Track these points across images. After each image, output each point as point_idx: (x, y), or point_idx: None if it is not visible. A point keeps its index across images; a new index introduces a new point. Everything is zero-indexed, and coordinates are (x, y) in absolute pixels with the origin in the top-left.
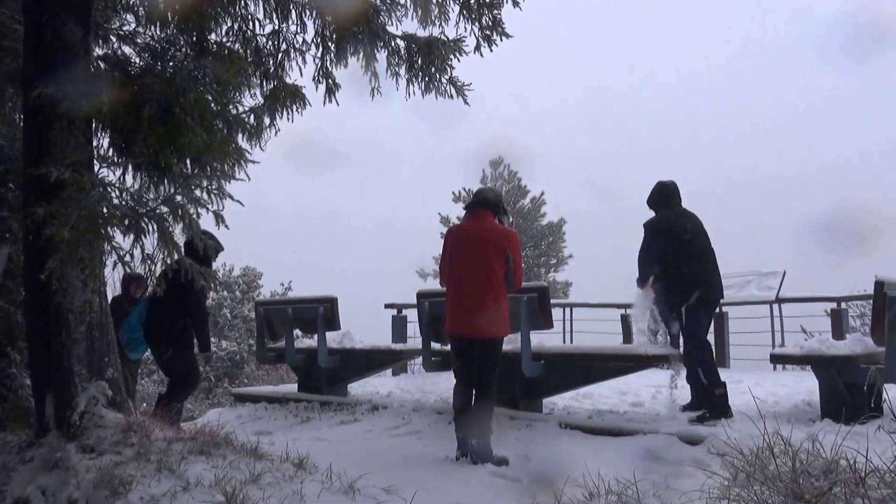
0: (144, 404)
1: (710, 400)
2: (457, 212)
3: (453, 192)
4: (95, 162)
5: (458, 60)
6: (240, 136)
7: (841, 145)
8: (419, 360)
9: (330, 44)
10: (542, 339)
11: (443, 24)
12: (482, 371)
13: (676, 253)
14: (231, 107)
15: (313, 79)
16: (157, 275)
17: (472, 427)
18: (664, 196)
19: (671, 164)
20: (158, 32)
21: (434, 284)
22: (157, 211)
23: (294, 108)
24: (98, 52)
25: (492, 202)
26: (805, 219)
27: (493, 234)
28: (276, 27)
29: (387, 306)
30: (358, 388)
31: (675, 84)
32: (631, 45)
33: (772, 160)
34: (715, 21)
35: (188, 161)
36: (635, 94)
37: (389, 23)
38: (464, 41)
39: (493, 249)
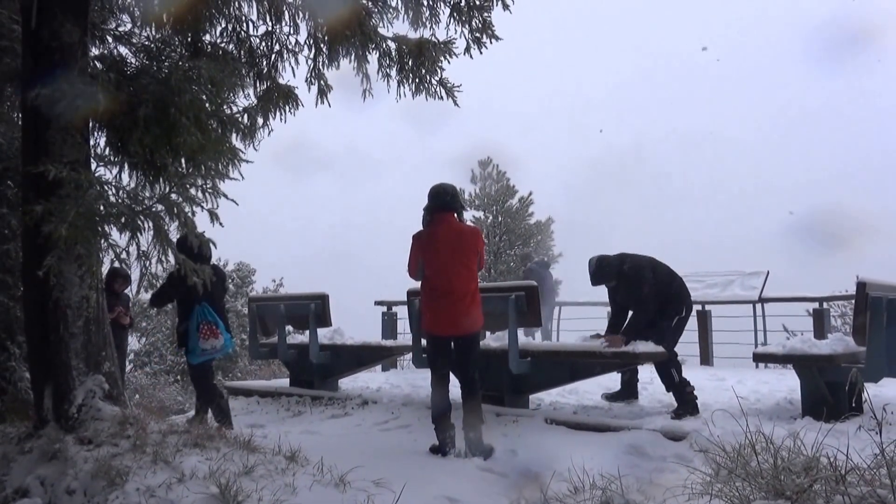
0: (137, 395)
1: (682, 397)
2: None
3: None
4: (92, 161)
5: (449, 62)
6: (234, 135)
7: (826, 150)
8: (409, 356)
9: (322, 46)
10: (530, 337)
11: (433, 26)
12: (468, 365)
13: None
14: (225, 107)
15: (306, 80)
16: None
17: (467, 421)
18: (609, 266)
19: (659, 165)
20: (154, 33)
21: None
22: (153, 209)
23: (287, 108)
24: (95, 52)
25: (452, 205)
26: (789, 220)
27: (464, 236)
28: (270, 28)
29: (377, 303)
30: (348, 383)
31: (663, 84)
32: (617, 46)
33: (758, 163)
34: (700, 25)
35: (183, 160)
36: (623, 92)
37: (381, 25)
38: (454, 43)
39: (467, 251)
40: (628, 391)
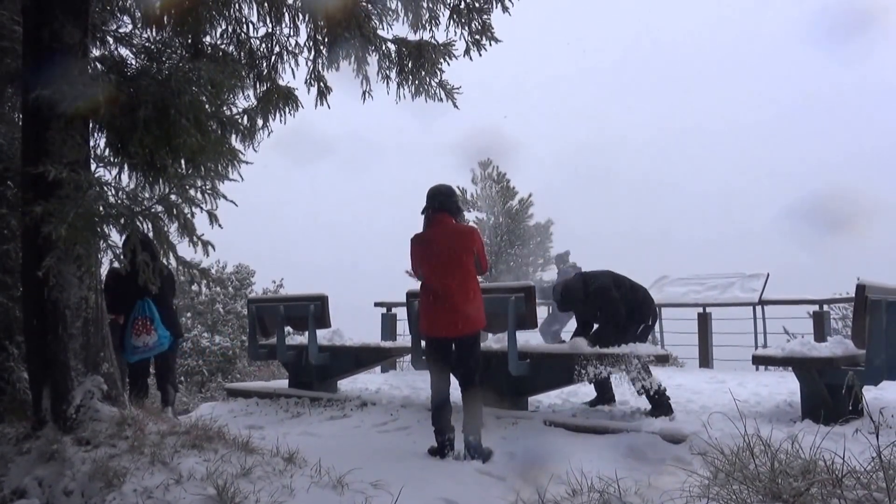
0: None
1: (656, 400)
2: None
3: None
4: (92, 161)
5: (448, 64)
6: (233, 137)
7: (827, 138)
8: (408, 357)
9: (322, 47)
10: (528, 338)
11: (433, 28)
12: (468, 366)
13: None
14: (225, 108)
15: (305, 81)
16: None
17: (467, 424)
18: (576, 291)
19: (658, 163)
20: (154, 35)
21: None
22: (152, 210)
23: (287, 109)
24: (95, 53)
25: (447, 205)
26: (791, 208)
27: (457, 236)
28: (270, 30)
29: (377, 304)
30: (347, 385)
31: (663, 80)
32: (615, 29)
33: (759, 155)
34: (703, 14)
35: (183, 161)
36: (621, 91)
37: (380, 27)
38: (454, 45)
39: (460, 251)
40: (603, 395)
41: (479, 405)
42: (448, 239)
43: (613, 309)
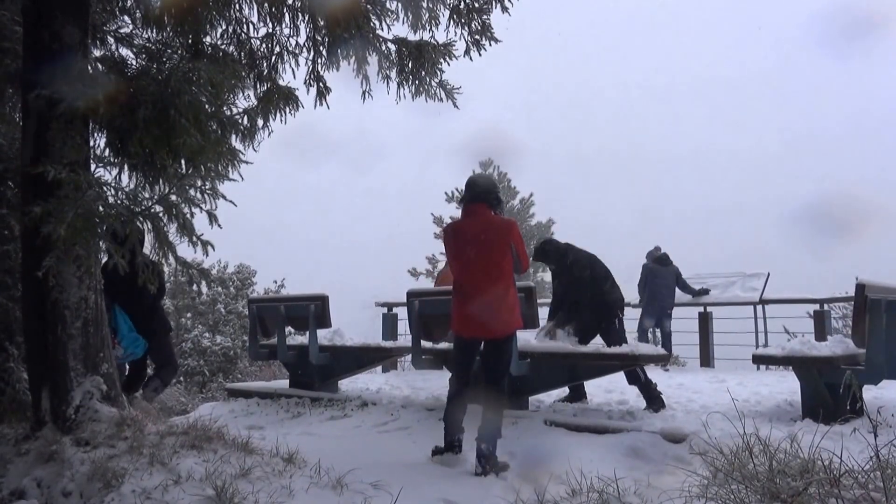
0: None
1: (650, 394)
2: (449, 211)
3: (446, 193)
4: (92, 162)
5: (448, 64)
6: (233, 137)
7: (826, 129)
8: (409, 357)
9: (322, 48)
10: (528, 338)
11: (433, 28)
12: (494, 369)
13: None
14: (225, 108)
15: (304, 82)
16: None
17: (482, 429)
18: (552, 252)
19: (658, 162)
20: (154, 35)
21: (423, 284)
22: (152, 210)
23: (287, 109)
24: (95, 53)
25: (484, 196)
26: (791, 207)
27: (492, 228)
28: (270, 30)
29: (378, 304)
30: (348, 385)
31: (661, 75)
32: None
33: (760, 151)
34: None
35: (182, 161)
36: (619, 91)
37: (380, 27)
38: (453, 45)
39: (495, 245)
40: (576, 393)
41: (500, 412)
42: (480, 231)
43: (583, 291)
